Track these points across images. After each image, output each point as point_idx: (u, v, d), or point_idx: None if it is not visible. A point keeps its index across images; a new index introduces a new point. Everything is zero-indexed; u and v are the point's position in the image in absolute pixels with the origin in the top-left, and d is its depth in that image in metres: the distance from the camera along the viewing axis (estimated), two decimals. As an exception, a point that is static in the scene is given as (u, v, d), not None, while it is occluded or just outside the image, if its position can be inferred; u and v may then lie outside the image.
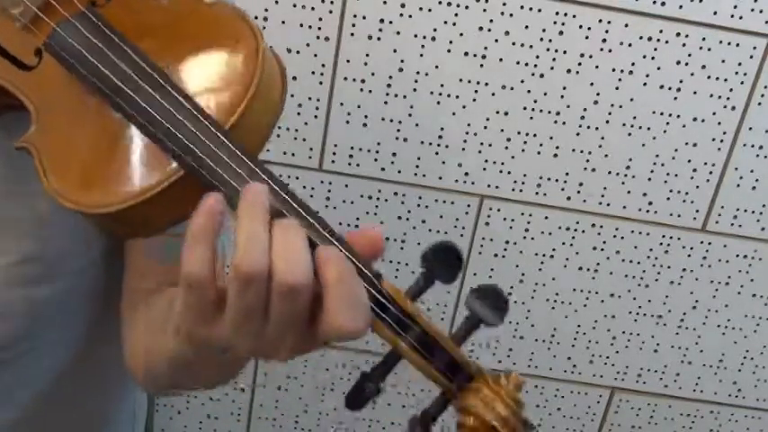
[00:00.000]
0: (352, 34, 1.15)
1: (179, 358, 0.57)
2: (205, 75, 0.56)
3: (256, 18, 1.13)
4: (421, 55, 1.16)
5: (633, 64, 1.17)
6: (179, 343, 0.54)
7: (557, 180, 1.25)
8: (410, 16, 1.14)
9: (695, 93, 1.19)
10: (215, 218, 0.48)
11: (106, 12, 0.58)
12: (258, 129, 0.55)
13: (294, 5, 1.13)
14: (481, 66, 1.17)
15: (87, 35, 0.56)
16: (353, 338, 0.48)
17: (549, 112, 1.20)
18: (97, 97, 0.56)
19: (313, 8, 1.13)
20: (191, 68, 0.57)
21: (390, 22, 1.14)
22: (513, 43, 1.16)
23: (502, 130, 1.21)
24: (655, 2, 1.13)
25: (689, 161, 1.24)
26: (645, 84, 1.18)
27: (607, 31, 1.15)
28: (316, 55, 1.16)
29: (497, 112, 1.20)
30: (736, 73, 1.18)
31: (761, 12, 1.14)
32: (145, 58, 0.55)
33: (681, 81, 1.18)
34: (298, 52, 1.16)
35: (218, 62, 0.57)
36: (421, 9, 1.14)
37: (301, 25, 1.14)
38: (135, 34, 0.57)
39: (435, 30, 1.15)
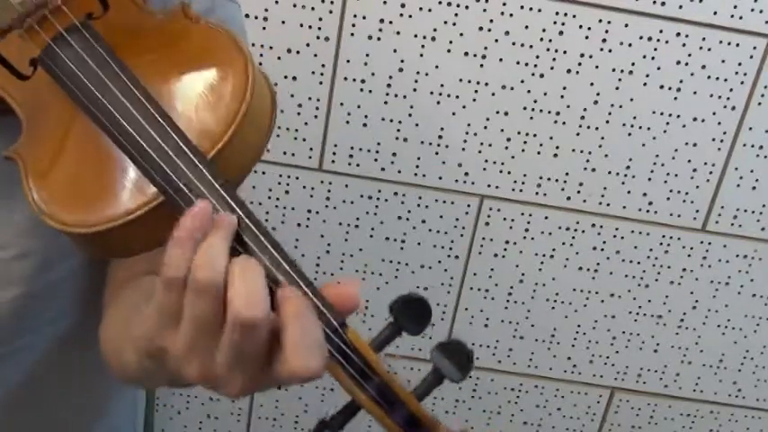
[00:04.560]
0: (352, 34, 1.15)
1: (143, 369, 0.58)
2: (193, 99, 0.55)
3: (256, 18, 1.13)
4: (421, 55, 1.16)
5: (633, 64, 1.17)
6: (138, 352, 0.55)
7: (557, 180, 1.25)
8: (410, 16, 1.14)
9: (695, 93, 1.19)
10: (202, 223, 0.48)
11: (101, 24, 0.57)
12: (244, 156, 0.55)
13: (294, 5, 1.13)
14: (481, 66, 1.17)
15: (81, 53, 0.55)
16: (308, 380, 0.48)
17: (549, 112, 1.20)
18: (85, 116, 0.55)
19: (313, 8, 1.13)
20: (179, 91, 0.56)
21: (390, 22, 1.14)
22: (513, 43, 1.16)
23: (502, 130, 1.21)
24: (655, 2, 1.13)
25: (689, 161, 1.24)
26: (645, 84, 1.18)
27: (607, 31, 1.15)
28: (316, 55, 1.16)
29: (497, 112, 1.20)
30: (736, 73, 1.18)
31: (761, 12, 1.14)
32: (135, 81, 0.55)
33: (681, 81, 1.18)
34: (298, 52, 1.16)
35: (207, 86, 0.56)
36: (421, 9, 1.14)
37: (301, 25, 1.14)
38: (127, 51, 0.56)
39: (435, 30, 1.15)
